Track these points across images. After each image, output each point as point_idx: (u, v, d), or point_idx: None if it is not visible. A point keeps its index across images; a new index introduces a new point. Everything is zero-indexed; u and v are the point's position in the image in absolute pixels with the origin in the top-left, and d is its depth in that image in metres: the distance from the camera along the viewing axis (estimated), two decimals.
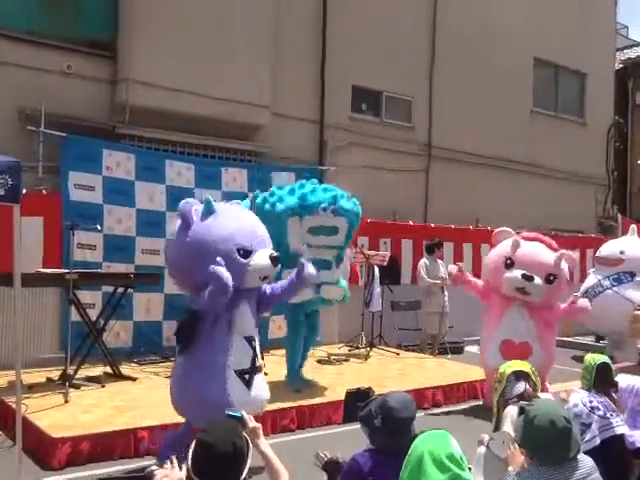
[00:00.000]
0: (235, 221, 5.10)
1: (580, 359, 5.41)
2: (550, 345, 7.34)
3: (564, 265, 7.23)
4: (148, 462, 5.18)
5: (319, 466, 3.51)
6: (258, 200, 7.44)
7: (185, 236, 4.94)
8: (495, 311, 7.46)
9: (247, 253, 4.96)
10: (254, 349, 5.16)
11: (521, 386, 4.11)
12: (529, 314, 7.21)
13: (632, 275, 10.75)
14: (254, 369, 5.11)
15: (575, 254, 7.78)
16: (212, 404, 4.67)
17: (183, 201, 5.08)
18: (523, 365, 4.33)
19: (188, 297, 5.25)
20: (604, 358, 4.60)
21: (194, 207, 5.00)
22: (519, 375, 4.19)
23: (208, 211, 5.00)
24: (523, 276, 6.97)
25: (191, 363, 4.98)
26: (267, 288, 5.38)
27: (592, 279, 10.83)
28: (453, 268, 7.79)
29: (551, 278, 7.08)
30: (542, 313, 7.24)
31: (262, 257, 5.03)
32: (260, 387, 5.18)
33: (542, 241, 7.42)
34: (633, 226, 11.66)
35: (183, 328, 4.99)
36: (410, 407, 3.19)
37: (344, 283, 7.74)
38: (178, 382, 5.12)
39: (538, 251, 7.25)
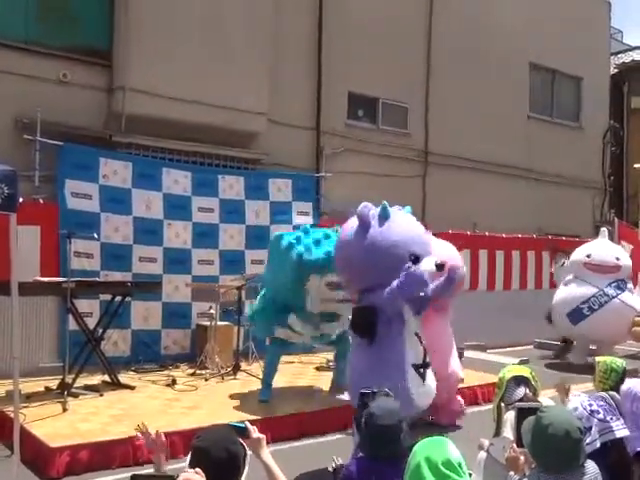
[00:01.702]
0: (408, 228, 5.59)
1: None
2: None
3: None
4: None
5: (331, 470, 3.49)
6: (283, 241, 7.22)
7: (363, 238, 5.36)
8: None
9: (417, 259, 5.39)
10: (423, 345, 5.63)
11: (521, 391, 4.09)
12: None
13: (625, 282, 10.83)
14: (425, 363, 5.60)
15: None
16: (395, 396, 4.88)
17: (362, 205, 5.48)
18: (523, 370, 4.32)
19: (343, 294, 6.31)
20: (622, 361, 4.59)
21: (371, 211, 5.39)
22: (519, 380, 4.17)
23: (384, 216, 5.45)
24: None
25: (371, 357, 5.35)
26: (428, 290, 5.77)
27: (589, 288, 10.61)
28: None
29: None
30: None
31: (429, 263, 5.47)
32: (431, 380, 5.70)
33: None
34: (603, 229, 11.70)
35: (363, 323, 5.39)
36: (393, 415, 3.12)
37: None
38: (358, 375, 5.35)
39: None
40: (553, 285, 12.46)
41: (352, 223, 5.64)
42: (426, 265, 5.42)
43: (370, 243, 5.36)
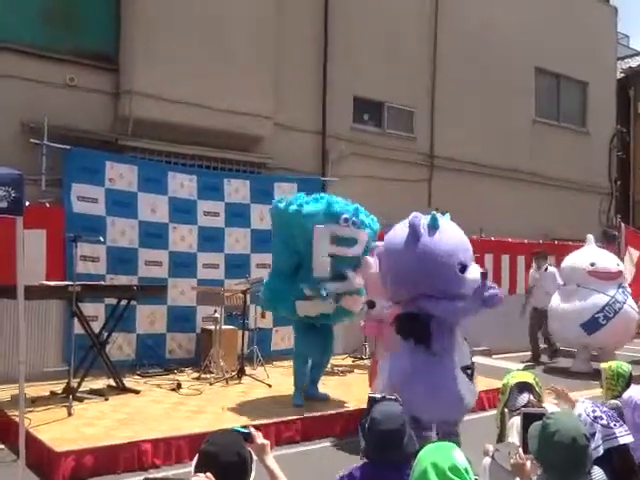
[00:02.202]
0: (455, 237, 5.76)
1: None
2: None
3: None
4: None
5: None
6: (281, 204, 7.50)
7: (415, 248, 5.51)
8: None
9: (464, 268, 5.62)
10: (468, 348, 6.07)
11: (524, 398, 4.07)
12: None
13: (625, 286, 10.85)
14: (472, 365, 5.97)
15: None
16: (447, 396, 5.48)
17: (413, 215, 5.65)
18: (527, 376, 4.30)
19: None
20: (629, 366, 4.57)
21: (422, 220, 5.60)
22: (522, 387, 4.16)
23: (434, 226, 5.59)
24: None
25: (418, 360, 5.60)
26: None
27: (601, 297, 10.50)
28: None
29: None
30: None
31: (475, 271, 5.69)
32: (475, 381, 6.06)
33: None
34: (590, 235, 11.65)
35: (418, 329, 5.63)
36: (394, 420, 3.07)
37: (363, 292, 7.67)
38: (403, 377, 5.54)
39: None
40: (527, 290, 12.26)
41: (397, 232, 5.83)
42: (474, 274, 5.65)
43: (421, 253, 5.51)
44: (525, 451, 3.17)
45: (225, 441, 2.53)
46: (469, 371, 5.90)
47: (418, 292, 5.59)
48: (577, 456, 2.87)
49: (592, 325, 10.41)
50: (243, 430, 2.91)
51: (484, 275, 5.65)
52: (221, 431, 2.73)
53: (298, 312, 7.45)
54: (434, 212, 5.76)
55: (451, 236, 5.71)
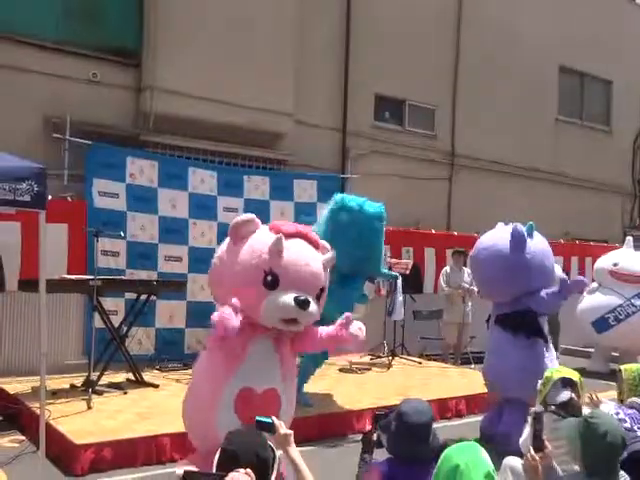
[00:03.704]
0: (544, 241, 6.77)
1: None
2: (294, 390, 4.73)
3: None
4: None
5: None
6: (332, 206, 7.10)
7: (523, 253, 6.42)
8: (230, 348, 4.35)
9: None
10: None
11: (566, 394, 3.97)
12: (275, 346, 4.47)
13: None
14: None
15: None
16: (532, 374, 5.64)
17: (514, 225, 6.56)
18: (573, 373, 4.21)
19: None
20: None
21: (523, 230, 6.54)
22: (566, 382, 4.06)
23: (531, 234, 6.57)
24: (297, 302, 4.20)
25: (526, 353, 6.42)
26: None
27: (615, 298, 10.35)
28: None
29: (320, 293, 4.47)
30: (291, 343, 4.57)
31: (558, 269, 6.86)
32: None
33: (304, 236, 4.58)
34: (629, 237, 11.50)
35: (532, 324, 6.50)
36: (423, 413, 3.13)
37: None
38: (519, 370, 6.29)
39: (307, 256, 4.45)
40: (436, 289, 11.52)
41: (497, 241, 6.65)
42: (559, 271, 6.95)
43: (531, 257, 6.45)
44: (537, 450, 3.14)
45: (246, 440, 2.51)
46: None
47: (526, 290, 6.41)
48: (619, 455, 2.92)
49: (601, 324, 10.33)
50: (266, 420, 2.89)
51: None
52: (243, 428, 2.70)
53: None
54: (531, 223, 6.69)
55: (541, 240, 6.72)
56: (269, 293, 4.23)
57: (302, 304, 4.19)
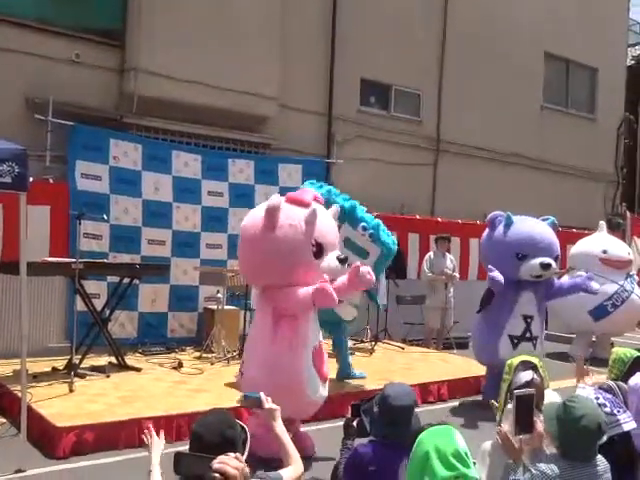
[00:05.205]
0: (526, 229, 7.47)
1: None
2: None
3: None
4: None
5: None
6: (322, 190, 7.12)
7: (502, 236, 7.39)
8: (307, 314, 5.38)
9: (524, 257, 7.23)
10: (528, 325, 7.20)
11: (529, 373, 4.05)
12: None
13: (633, 275, 10.87)
14: (522, 338, 7.15)
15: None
16: (491, 349, 7.18)
17: (493, 214, 7.55)
18: (532, 358, 4.29)
19: None
20: (636, 353, 4.57)
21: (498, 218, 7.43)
22: (527, 365, 4.15)
23: (508, 222, 7.35)
24: (340, 260, 5.25)
25: (484, 321, 7.47)
26: (556, 283, 7.67)
27: (610, 285, 10.37)
28: None
29: None
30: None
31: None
32: (526, 350, 6.48)
33: (319, 201, 5.60)
34: (602, 222, 11.61)
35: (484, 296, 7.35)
36: (406, 396, 3.19)
37: (356, 302, 7.77)
38: (474, 334, 7.86)
39: (328, 217, 5.56)
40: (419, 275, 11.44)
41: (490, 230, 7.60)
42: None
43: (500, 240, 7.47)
44: (517, 433, 3.16)
45: (209, 421, 2.49)
46: (515, 340, 7.33)
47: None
48: (597, 440, 2.96)
49: (600, 312, 10.41)
50: (253, 395, 2.93)
51: (546, 265, 7.34)
52: (213, 410, 2.69)
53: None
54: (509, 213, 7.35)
55: (522, 227, 7.56)
56: (318, 262, 5.14)
57: (343, 262, 5.23)
